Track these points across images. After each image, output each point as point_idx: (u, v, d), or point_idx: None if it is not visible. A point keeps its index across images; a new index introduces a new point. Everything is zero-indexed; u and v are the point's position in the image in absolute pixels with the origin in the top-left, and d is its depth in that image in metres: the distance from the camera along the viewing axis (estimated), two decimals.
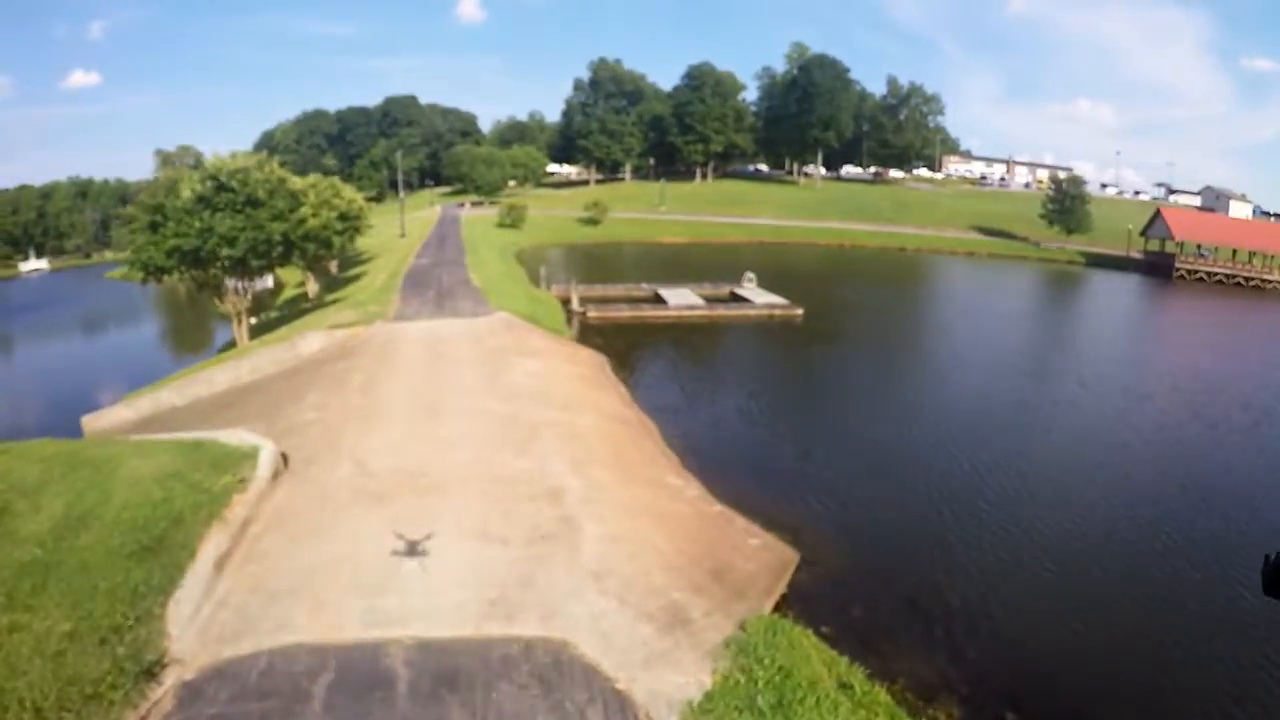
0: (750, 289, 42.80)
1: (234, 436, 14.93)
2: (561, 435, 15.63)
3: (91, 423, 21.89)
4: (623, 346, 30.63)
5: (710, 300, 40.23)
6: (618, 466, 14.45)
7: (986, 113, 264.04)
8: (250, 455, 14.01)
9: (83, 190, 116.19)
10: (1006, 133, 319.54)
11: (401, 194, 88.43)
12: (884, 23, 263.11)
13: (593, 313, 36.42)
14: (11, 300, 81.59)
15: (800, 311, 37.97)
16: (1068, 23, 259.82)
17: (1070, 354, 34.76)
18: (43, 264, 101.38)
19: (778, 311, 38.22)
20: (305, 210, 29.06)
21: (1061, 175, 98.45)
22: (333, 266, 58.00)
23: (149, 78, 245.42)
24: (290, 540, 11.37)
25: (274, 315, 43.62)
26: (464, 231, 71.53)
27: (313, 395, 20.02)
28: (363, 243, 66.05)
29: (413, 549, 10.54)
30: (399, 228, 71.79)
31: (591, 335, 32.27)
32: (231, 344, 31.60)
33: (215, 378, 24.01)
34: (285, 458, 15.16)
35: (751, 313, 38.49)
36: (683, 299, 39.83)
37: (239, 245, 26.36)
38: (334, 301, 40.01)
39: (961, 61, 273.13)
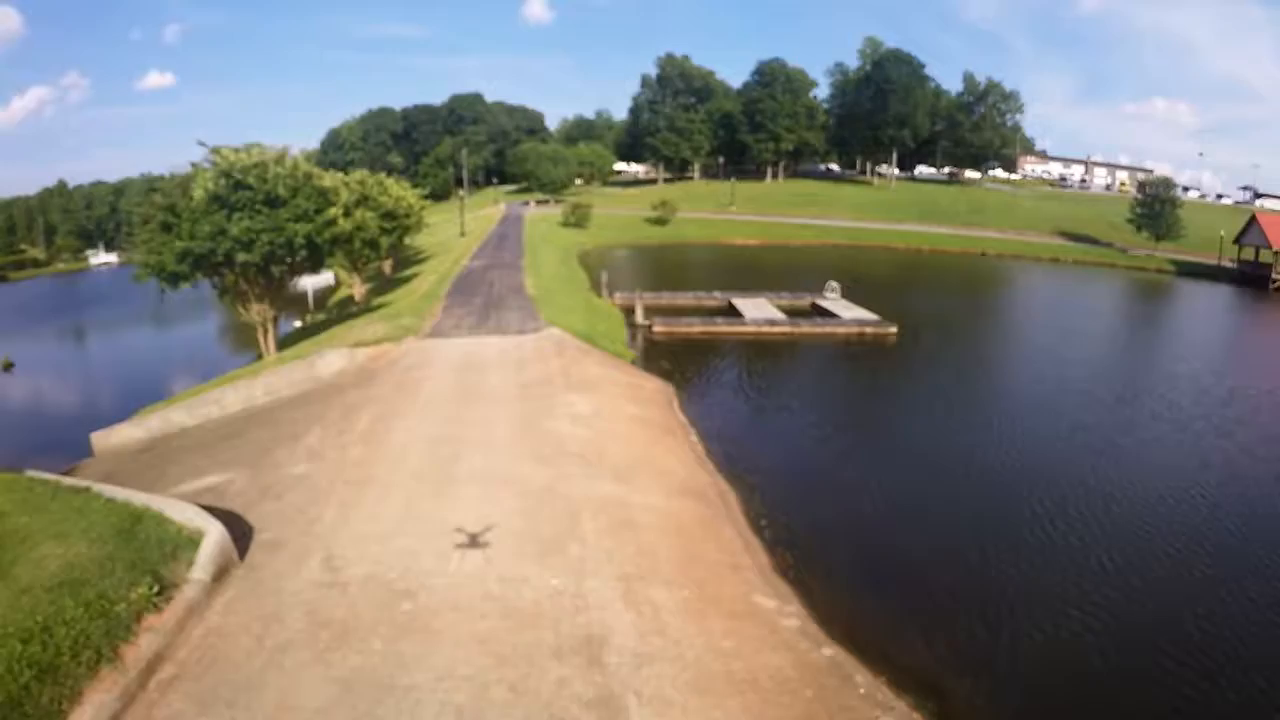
0: (834, 301, 38.02)
1: (183, 512, 11.32)
2: (611, 524, 11.50)
3: (100, 440, 20.22)
4: (693, 370, 26.36)
5: (790, 314, 35.43)
6: (687, 581, 10.22)
7: (1058, 112, 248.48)
8: (194, 542, 10.42)
9: (154, 187, 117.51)
10: (1079, 132, 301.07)
11: (464, 191, 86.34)
12: (954, 20, 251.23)
13: (659, 326, 32.31)
14: (81, 293, 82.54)
15: (893, 330, 32.97)
16: (1142, 19, 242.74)
17: (1206, 398, 26.51)
18: (111, 258, 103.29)
19: (868, 329, 33.28)
20: (334, 211, 25.64)
21: (1146, 177, 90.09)
22: (386, 266, 55.55)
23: (220, 78, 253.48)
24: (200, 708, 7.61)
25: (320, 318, 41.18)
26: (525, 231, 68.66)
27: (313, 435, 16.53)
28: (421, 240, 63.91)
29: None
30: (459, 226, 69.41)
31: (657, 355, 28.07)
32: (259, 356, 29.13)
33: (226, 398, 21.56)
34: (251, 529, 11.78)
35: (839, 330, 33.63)
36: (760, 311, 35.30)
37: (256, 249, 23.11)
38: (379, 306, 37.20)
39: (1032, 59, 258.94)
